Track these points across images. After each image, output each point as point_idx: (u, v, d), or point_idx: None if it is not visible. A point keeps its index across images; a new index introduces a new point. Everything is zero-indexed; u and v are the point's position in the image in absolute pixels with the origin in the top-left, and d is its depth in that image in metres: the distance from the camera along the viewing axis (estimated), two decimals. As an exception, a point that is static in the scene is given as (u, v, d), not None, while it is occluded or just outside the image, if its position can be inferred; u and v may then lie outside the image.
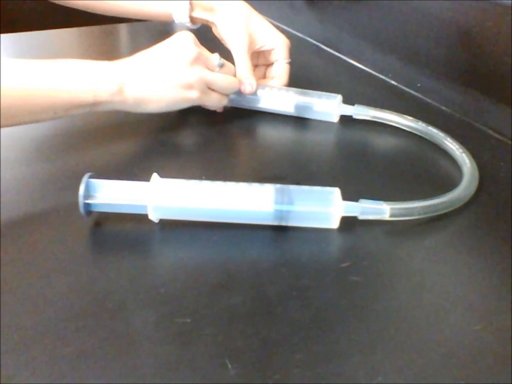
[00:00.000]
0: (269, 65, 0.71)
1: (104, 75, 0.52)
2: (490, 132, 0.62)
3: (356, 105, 0.63)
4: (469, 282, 0.40)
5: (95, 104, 0.52)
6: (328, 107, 0.63)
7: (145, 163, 0.55)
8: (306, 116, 0.64)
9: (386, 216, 0.43)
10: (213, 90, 0.60)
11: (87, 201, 0.42)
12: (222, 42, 0.71)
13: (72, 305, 0.37)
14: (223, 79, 0.60)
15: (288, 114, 0.65)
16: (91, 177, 0.43)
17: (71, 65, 0.52)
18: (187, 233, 0.44)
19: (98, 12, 0.77)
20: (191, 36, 0.58)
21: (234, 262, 0.41)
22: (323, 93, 0.64)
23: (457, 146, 0.55)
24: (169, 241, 0.44)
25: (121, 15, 0.78)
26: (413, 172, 0.55)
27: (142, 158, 0.56)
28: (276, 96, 0.64)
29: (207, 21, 0.71)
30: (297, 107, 0.64)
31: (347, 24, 0.87)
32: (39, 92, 0.49)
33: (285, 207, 0.43)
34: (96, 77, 0.52)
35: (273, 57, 0.70)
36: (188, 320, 0.35)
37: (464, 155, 0.53)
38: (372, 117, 0.62)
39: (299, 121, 0.64)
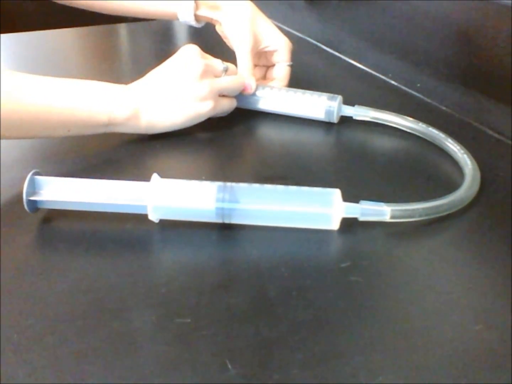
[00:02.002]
0: (269, 66, 0.71)
1: (119, 99, 0.53)
2: (490, 132, 0.62)
3: (356, 106, 0.63)
4: (469, 282, 0.40)
5: (109, 125, 0.53)
6: (328, 108, 0.63)
7: (145, 163, 0.55)
8: (306, 116, 0.64)
9: (387, 218, 0.43)
10: (223, 96, 0.61)
11: (31, 198, 0.43)
12: (225, 40, 0.71)
13: (72, 305, 0.37)
14: (230, 82, 0.61)
15: (288, 114, 0.65)
16: (35, 174, 0.43)
17: (88, 86, 0.53)
18: (187, 233, 0.44)
19: (102, 12, 0.77)
20: (196, 49, 0.58)
21: (234, 262, 0.41)
22: (323, 93, 0.63)
23: (458, 147, 0.55)
24: (169, 241, 0.44)
25: (125, 15, 0.78)
26: (414, 173, 0.55)
27: (142, 158, 0.56)
28: (276, 96, 0.64)
29: (211, 19, 0.71)
30: (297, 107, 0.64)
31: (347, 24, 0.87)
32: (55, 109, 0.50)
33: (226, 205, 0.43)
34: (112, 101, 0.53)
35: (275, 59, 0.70)
36: (188, 320, 0.35)
37: (465, 156, 0.53)
38: (372, 118, 0.62)
39: (299, 122, 0.64)
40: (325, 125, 0.64)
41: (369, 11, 0.81)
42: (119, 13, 0.78)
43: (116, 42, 1.04)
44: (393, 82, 0.77)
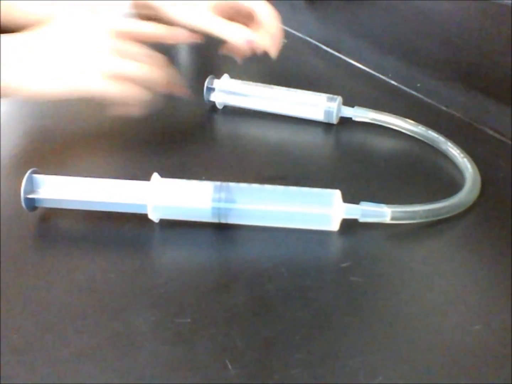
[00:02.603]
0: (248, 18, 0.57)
1: None
2: (490, 132, 0.62)
3: (355, 107, 0.63)
4: (469, 282, 0.40)
5: None
6: (327, 109, 0.63)
7: (145, 163, 0.55)
8: (305, 117, 0.64)
9: (387, 219, 0.43)
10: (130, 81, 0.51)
11: (29, 196, 0.43)
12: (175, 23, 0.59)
13: (72, 305, 0.37)
14: (143, 70, 0.51)
15: (287, 115, 0.65)
16: (34, 172, 0.43)
17: None
18: (187, 233, 0.44)
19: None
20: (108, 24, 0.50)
21: (234, 262, 0.41)
22: (323, 94, 0.63)
23: (458, 151, 0.54)
24: (169, 241, 0.44)
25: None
26: (414, 175, 0.54)
27: (142, 158, 0.56)
28: (275, 96, 0.64)
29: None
30: (296, 108, 0.64)
31: (347, 24, 0.87)
32: None
33: (222, 205, 0.43)
34: None
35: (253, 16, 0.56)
36: (188, 320, 0.35)
37: (465, 160, 0.52)
38: (371, 119, 0.62)
39: (298, 122, 0.64)
40: (325, 126, 0.64)
41: (369, 11, 0.81)
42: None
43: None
44: (393, 82, 0.77)
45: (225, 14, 0.55)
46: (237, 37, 0.52)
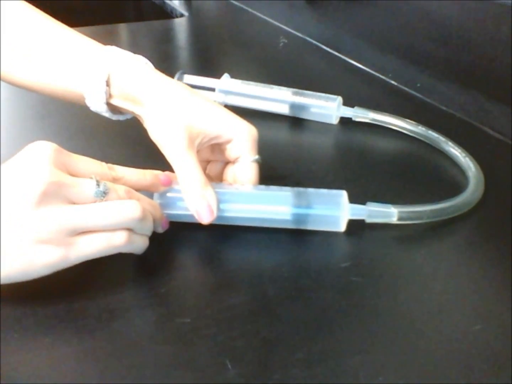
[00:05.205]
0: (228, 162, 0.49)
1: None
2: (490, 132, 0.62)
3: (355, 108, 0.63)
4: (470, 283, 0.40)
5: None
6: (327, 109, 0.62)
7: (146, 163, 0.55)
8: (305, 117, 0.64)
9: (394, 220, 0.43)
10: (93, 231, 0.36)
11: None
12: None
13: (72, 305, 0.37)
14: (105, 215, 0.36)
15: (286, 115, 0.65)
16: None
17: None
18: (188, 233, 0.44)
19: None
20: (47, 150, 0.36)
21: (234, 262, 0.41)
22: (323, 94, 0.63)
23: (459, 151, 0.54)
24: (169, 241, 0.44)
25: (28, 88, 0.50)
26: (414, 175, 0.54)
27: (142, 159, 0.56)
28: (275, 97, 0.64)
29: (133, 113, 0.47)
30: (296, 108, 0.64)
31: (347, 24, 0.87)
32: None
33: (302, 211, 0.42)
34: None
35: (233, 153, 0.46)
36: (188, 320, 0.35)
37: (467, 159, 0.52)
38: (371, 119, 0.62)
39: (298, 123, 0.64)
40: (325, 126, 0.64)
41: (369, 11, 0.81)
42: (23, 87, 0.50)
43: (116, 42, 1.04)
44: (393, 82, 0.77)
45: (204, 150, 0.48)
46: (205, 214, 0.42)
